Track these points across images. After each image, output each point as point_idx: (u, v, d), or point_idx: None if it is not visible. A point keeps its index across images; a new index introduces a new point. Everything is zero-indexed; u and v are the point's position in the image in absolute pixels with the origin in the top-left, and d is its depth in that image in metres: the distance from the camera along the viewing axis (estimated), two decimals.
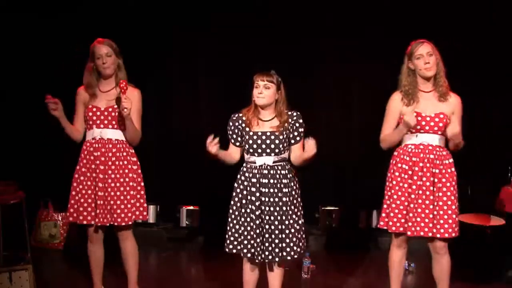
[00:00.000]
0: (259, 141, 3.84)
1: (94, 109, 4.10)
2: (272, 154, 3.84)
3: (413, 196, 3.94)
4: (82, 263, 4.62)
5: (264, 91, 3.81)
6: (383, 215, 4.07)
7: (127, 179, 4.12)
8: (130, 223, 4.15)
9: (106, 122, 4.09)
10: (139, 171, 4.20)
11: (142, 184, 4.21)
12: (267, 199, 3.83)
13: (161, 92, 6.16)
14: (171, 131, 6.30)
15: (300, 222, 3.92)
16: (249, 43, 6.02)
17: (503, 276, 5.02)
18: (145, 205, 4.22)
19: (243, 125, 3.88)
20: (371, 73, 5.97)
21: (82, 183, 4.12)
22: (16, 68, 5.92)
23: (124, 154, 4.13)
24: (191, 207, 6.15)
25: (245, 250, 3.86)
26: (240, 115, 3.91)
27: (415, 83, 3.99)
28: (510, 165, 5.24)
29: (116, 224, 4.12)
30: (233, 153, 3.95)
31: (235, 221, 3.90)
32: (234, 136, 3.92)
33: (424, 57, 3.92)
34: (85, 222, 4.13)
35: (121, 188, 4.10)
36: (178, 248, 6.01)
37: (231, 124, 3.92)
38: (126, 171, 4.12)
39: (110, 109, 4.08)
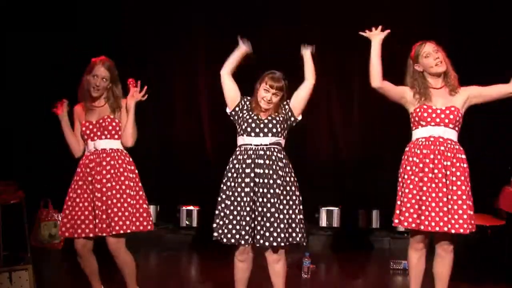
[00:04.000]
0: (257, 122, 3.85)
1: (87, 124, 4.10)
2: (269, 135, 3.85)
3: (424, 188, 3.85)
4: None
5: (273, 98, 3.84)
6: (397, 212, 3.95)
7: (123, 187, 4.06)
8: (128, 231, 4.03)
9: (99, 133, 4.08)
10: (137, 179, 4.13)
11: (142, 193, 4.12)
12: (261, 180, 3.79)
13: (161, 93, 6.16)
14: (171, 131, 6.30)
15: (296, 210, 3.86)
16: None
17: (503, 276, 5.02)
18: (147, 215, 4.10)
19: (249, 107, 3.92)
20: None
21: (79, 196, 4.07)
22: (16, 68, 5.93)
23: (120, 162, 4.09)
24: (191, 207, 6.15)
25: (229, 235, 3.80)
26: (250, 100, 3.95)
27: (425, 83, 3.94)
28: (510, 165, 5.24)
29: (114, 232, 4.03)
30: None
31: (223, 205, 3.85)
32: (239, 100, 3.96)
33: (432, 54, 3.89)
34: (83, 236, 4.05)
35: (117, 195, 4.03)
36: (178, 248, 6.01)
37: (243, 99, 3.97)
38: (122, 178, 4.06)
39: (101, 121, 4.08)
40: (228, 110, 3.98)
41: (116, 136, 4.11)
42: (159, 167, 6.13)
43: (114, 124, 4.10)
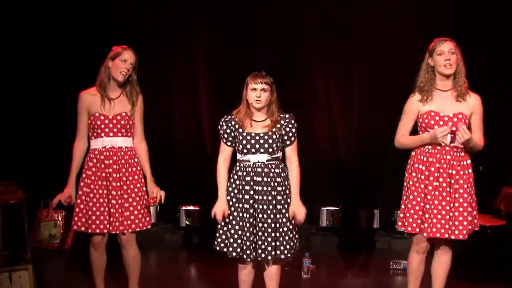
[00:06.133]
0: (252, 141, 3.86)
1: (102, 117, 4.06)
2: (267, 153, 3.88)
3: (429, 197, 3.92)
4: (82, 263, 4.61)
5: (262, 94, 3.84)
6: (401, 215, 4.05)
7: (138, 185, 4.14)
8: (144, 228, 4.16)
9: (115, 130, 4.07)
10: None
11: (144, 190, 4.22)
12: (260, 197, 3.86)
13: (161, 92, 6.16)
14: (171, 131, 6.30)
15: (292, 221, 3.93)
16: (248, 43, 6.02)
17: (504, 276, 5.01)
18: (150, 212, 4.27)
19: (236, 126, 3.91)
20: (371, 73, 5.97)
21: (93, 192, 4.08)
22: (15, 68, 5.92)
23: (136, 160, 4.15)
24: (191, 207, 6.14)
25: (230, 249, 3.89)
26: (232, 116, 3.94)
27: (432, 81, 3.97)
28: (510, 165, 5.24)
29: (130, 230, 4.11)
30: (227, 154, 3.97)
31: (227, 220, 3.92)
32: (226, 136, 3.95)
33: (445, 54, 3.90)
34: (97, 231, 4.08)
35: (133, 195, 4.11)
36: (178, 248, 6.01)
37: (223, 125, 3.94)
38: (136, 177, 4.14)
39: (119, 117, 4.07)
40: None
41: (129, 134, 4.14)
42: (159, 167, 6.10)
43: (131, 122, 4.11)
